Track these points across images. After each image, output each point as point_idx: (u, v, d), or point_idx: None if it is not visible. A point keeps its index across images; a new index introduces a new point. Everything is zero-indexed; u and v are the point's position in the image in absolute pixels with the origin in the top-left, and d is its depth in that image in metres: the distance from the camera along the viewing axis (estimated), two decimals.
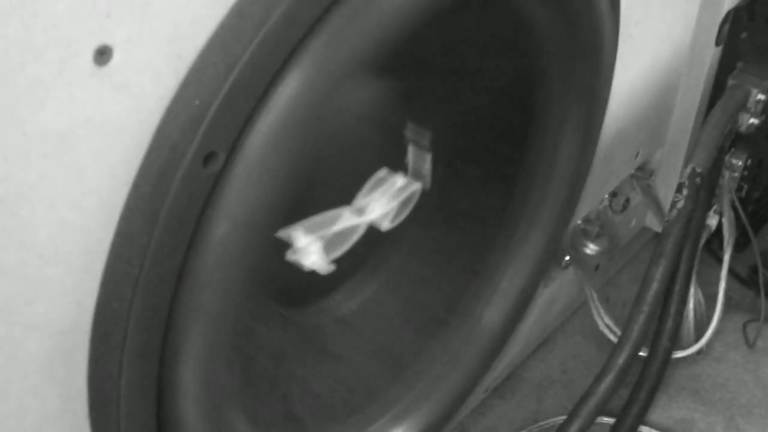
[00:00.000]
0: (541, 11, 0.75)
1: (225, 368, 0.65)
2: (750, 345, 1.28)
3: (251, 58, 0.53)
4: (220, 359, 0.64)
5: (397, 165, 0.85)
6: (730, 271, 1.26)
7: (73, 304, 0.54)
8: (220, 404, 0.67)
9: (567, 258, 1.12)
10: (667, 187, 1.26)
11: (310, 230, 0.73)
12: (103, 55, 0.47)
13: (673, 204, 1.07)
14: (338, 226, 0.75)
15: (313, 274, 0.73)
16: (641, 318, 1.02)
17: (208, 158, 0.54)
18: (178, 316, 0.58)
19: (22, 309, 0.52)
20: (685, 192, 1.06)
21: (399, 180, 0.80)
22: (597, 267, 1.23)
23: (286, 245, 0.72)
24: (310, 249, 0.72)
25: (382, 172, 0.80)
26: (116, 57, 0.48)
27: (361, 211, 0.77)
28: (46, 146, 0.47)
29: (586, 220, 1.14)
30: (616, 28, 0.88)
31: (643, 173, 1.25)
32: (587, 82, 0.86)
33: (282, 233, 0.69)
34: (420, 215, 0.85)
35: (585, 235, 1.14)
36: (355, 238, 0.76)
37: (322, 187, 0.78)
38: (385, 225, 0.79)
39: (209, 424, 0.65)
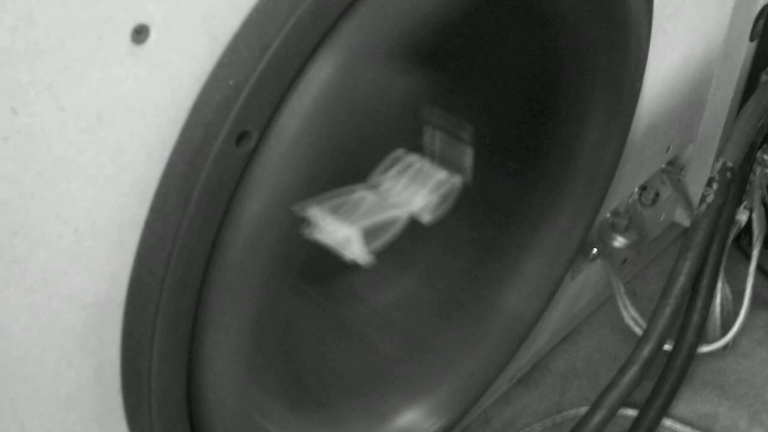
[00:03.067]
0: (574, 5, 0.75)
1: (254, 344, 0.66)
2: None
3: (285, 39, 0.54)
4: (249, 335, 0.65)
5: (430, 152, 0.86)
6: (759, 267, 1.25)
7: (107, 276, 0.56)
8: (247, 378, 0.68)
9: (595, 251, 1.12)
10: (698, 182, 1.26)
11: (349, 220, 0.73)
12: (140, 33, 0.48)
13: (703, 198, 1.06)
14: (379, 218, 0.76)
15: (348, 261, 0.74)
16: (667, 311, 1.02)
17: (242, 137, 0.55)
18: (209, 290, 0.59)
19: (59, 281, 0.53)
20: (715, 186, 1.06)
21: (440, 173, 0.80)
22: (625, 260, 1.23)
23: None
24: (351, 240, 0.72)
25: (422, 164, 0.80)
26: (153, 36, 0.49)
27: (402, 203, 0.78)
28: (83, 122, 0.49)
29: (615, 213, 1.14)
30: (648, 22, 0.88)
31: (674, 168, 1.24)
32: (618, 75, 0.86)
33: (320, 226, 0.70)
34: (455, 205, 0.86)
35: (613, 228, 1.14)
36: (394, 229, 0.77)
37: (352, 166, 0.79)
38: (426, 217, 0.79)
39: (236, 397, 0.66)
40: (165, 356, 0.59)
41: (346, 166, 0.74)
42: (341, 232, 0.74)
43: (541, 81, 0.86)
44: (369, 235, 0.76)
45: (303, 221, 0.69)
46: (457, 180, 0.83)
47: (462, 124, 0.85)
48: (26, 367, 0.55)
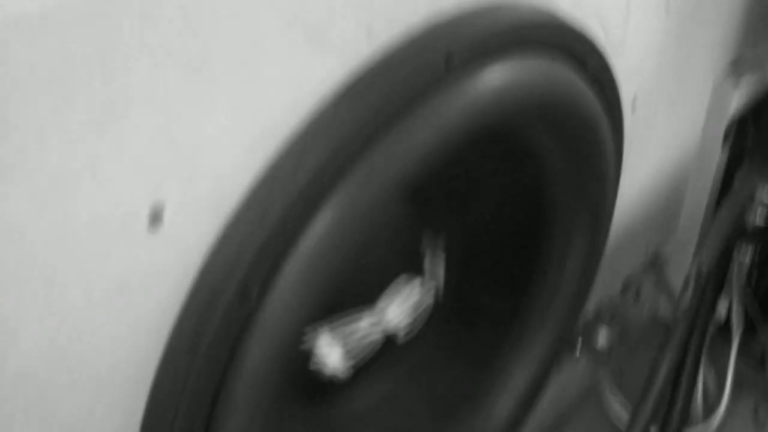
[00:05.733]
0: (549, 144, 0.83)
1: None
2: (760, 426, 1.32)
3: (283, 208, 0.61)
4: None
5: (414, 267, 0.93)
6: (744, 353, 1.30)
7: (122, 422, 0.62)
8: None
9: (579, 347, 1.17)
10: (679, 275, 1.31)
11: (332, 338, 0.80)
12: (155, 219, 0.55)
13: (680, 299, 1.12)
14: (358, 335, 0.82)
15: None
16: (647, 408, 1.07)
17: (244, 296, 0.62)
18: (215, 425, 0.66)
19: (81, 427, 0.60)
20: (690, 289, 1.12)
21: (415, 292, 0.87)
22: (610, 354, 1.28)
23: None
24: (332, 356, 0.79)
25: (400, 283, 0.87)
26: (166, 219, 0.56)
27: (380, 323, 0.85)
28: (106, 296, 0.56)
29: (598, 309, 1.20)
30: (619, 148, 0.95)
31: (655, 263, 1.30)
32: (591, 197, 0.93)
33: (306, 344, 0.76)
34: (439, 315, 0.92)
35: (596, 326, 1.20)
36: (374, 346, 0.83)
37: (344, 290, 0.86)
38: (401, 336, 0.86)
39: None
40: None
41: (340, 297, 0.81)
42: (323, 351, 0.80)
43: (520, 206, 0.93)
44: (350, 350, 0.83)
45: (301, 351, 0.75)
46: (431, 293, 0.89)
47: (435, 235, 0.92)
48: None
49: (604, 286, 1.19)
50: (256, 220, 0.60)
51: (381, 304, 0.87)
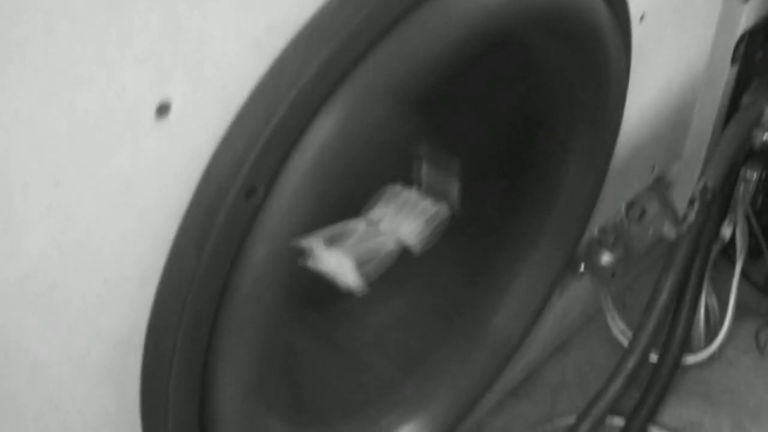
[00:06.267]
0: (554, 52, 0.82)
1: (259, 370, 0.73)
2: (761, 351, 1.33)
3: (288, 107, 0.60)
4: (255, 363, 0.72)
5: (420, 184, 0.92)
6: (747, 278, 1.31)
7: (130, 317, 0.62)
8: (253, 400, 0.75)
9: (582, 268, 1.17)
10: (685, 198, 1.31)
11: (342, 248, 0.80)
12: (162, 111, 0.55)
13: (684, 218, 1.12)
14: (369, 245, 0.82)
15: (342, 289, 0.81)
16: (649, 326, 1.08)
17: (250, 192, 0.61)
18: (220, 327, 0.66)
19: (89, 323, 0.60)
20: (695, 206, 1.11)
21: (428, 203, 0.87)
22: (613, 275, 1.28)
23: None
24: (345, 268, 0.79)
25: (411, 195, 0.87)
26: (174, 112, 0.56)
27: (395, 235, 0.84)
28: (113, 190, 0.56)
29: (602, 230, 1.19)
30: (627, 60, 0.94)
31: (661, 184, 1.30)
32: (598, 110, 0.92)
33: (316, 255, 0.76)
34: (444, 231, 0.92)
35: (600, 244, 1.19)
36: (387, 258, 0.83)
37: (347, 200, 0.85)
38: (417, 246, 0.86)
39: (244, 421, 0.73)
40: (180, 385, 0.66)
41: (342, 202, 0.81)
42: (334, 261, 0.80)
43: (526, 118, 0.92)
44: (362, 264, 0.82)
45: (303, 255, 0.75)
46: (444, 209, 0.89)
47: (450, 157, 0.91)
48: (59, 397, 0.62)
49: (609, 207, 1.18)
50: (263, 116, 0.60)
51: (372, 211, 0.87)
